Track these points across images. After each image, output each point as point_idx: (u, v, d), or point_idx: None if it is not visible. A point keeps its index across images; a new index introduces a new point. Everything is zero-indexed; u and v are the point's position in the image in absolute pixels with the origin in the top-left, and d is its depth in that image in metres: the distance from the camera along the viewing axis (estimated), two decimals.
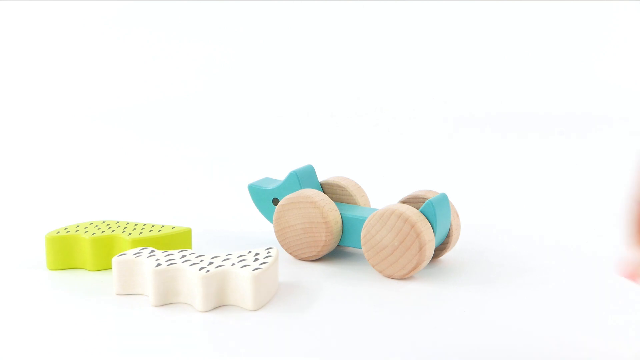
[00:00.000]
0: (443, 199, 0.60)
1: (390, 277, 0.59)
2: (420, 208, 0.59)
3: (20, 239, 0.68)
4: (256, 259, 0.55)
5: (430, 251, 0.58)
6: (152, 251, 0.57)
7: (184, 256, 0.56)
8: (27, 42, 1.19)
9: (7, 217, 0.75)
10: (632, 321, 0.53)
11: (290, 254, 0.63)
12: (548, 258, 0.64)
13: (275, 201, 0.65)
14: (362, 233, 0.60)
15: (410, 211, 0.58)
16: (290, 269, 0.61)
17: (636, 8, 1.22)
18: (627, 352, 0.49)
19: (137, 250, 0.57)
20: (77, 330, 0.52)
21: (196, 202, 0.79)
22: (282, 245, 0.63)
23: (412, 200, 0.62)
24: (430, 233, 0.58)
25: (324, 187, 0.66)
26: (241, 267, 0.54)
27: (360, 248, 0.61)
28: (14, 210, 0.77)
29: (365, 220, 0.60)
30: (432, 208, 0.59)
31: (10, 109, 1.13)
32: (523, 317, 0.53)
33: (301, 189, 0.64)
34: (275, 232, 0.63)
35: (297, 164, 0.70)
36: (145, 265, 0.55)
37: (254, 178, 0.70)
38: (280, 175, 0.71)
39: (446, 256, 0.64)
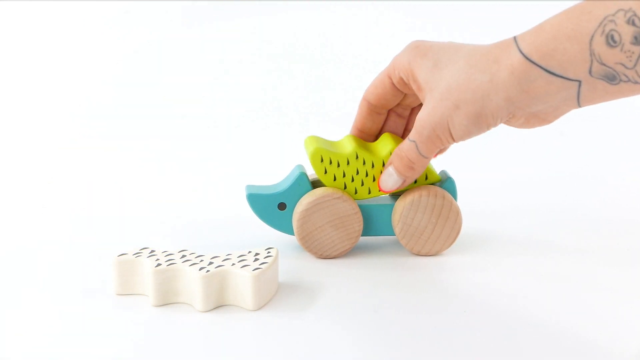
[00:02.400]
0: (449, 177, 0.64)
1: (431, 254, 0.63)
2: (443, 185, 0.63)
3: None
4: (256, 259, 0.55)
5: (461, 216, 0.62)
6: (152, 251, 0.57)
7: (184, 256, 0.56)
8: None
9: None
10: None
11: (319, 256, 0.63)
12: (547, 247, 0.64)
13: (282, 206, 0.63)
14: (397, 228, 0.62)
15: (433, 187, 0.62)
16: (290, 269, 0.61)
17: None
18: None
19: (137, 250, 0.57)
20: (76, 330, 0.52)
21: (195, 202, 0.79)
22: (310, 249, 0.63)
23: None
24: (454, 201, 0.63)
25: (317, 184, 0.65)
26: (241, 267, 0.54)
27: (380, 235, 0.64)
28: None
29: (377, 207, 0.63)
30: (452, 183, 0.63)
31: None
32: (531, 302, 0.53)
33: (312, 188, 0.63)
34: (300, 239, 0.62)
35: (281, 165, 0.70)
36: (145, 265, 0.55)
37: (250, 178, 0.70)
38: (261, 178, 0.69)
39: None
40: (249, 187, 0.64)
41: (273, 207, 0.63)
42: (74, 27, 1.21)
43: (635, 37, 0.46)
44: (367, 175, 0.61)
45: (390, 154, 0.60)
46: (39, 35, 1.20)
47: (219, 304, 0.54)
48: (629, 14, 0.45)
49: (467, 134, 0.53)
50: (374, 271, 0.61)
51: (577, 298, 0.56)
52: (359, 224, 0.62)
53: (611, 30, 0.46)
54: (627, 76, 0.47)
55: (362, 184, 0.61)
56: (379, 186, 0.60)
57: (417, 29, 1.21)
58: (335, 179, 0.61)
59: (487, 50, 0.52)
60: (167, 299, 0.55)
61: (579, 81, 0.48)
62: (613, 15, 0.46)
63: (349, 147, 0.61)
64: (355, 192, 0.61)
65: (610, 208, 0.77)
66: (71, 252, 0.65)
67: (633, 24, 0.45)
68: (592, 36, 0.47)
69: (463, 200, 0.66)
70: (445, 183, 0.63)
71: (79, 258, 0.63)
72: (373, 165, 0.61)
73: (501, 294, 0.57)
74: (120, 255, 0.56)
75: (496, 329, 0.52)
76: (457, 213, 0.62)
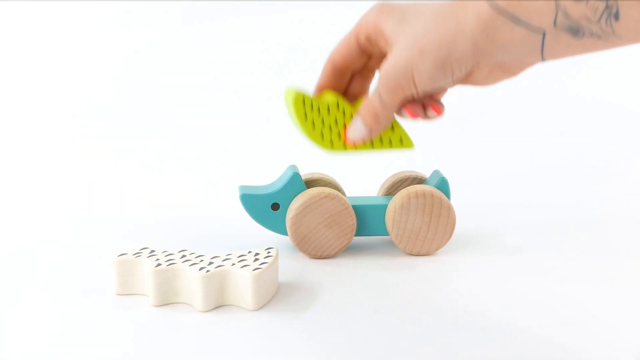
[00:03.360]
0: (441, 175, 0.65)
1: (431, 253, 0.63)
2: (437, 185, 0.63)
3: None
4: (256, 259, 0.55)
5: (453, 210, 0.63)
6: (152, 251, 0.57)
7: (184, 256, 0.56)
8: None
9: None
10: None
11: (319, 257, 0.63)
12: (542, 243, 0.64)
13: (275, 206, 0.63)
14: (393, 234, 0.62)
15: (420, 186, 0.62)
16: (289, 269, 0.61)
17: None
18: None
19: (137, 250, 0.57)
20: (76, 330, 0.52)
21: (195, 202, 0.79)
22: (309, 252, 0.63)
23: (405, 182, 0.66)
24: (444, 196, 0.63)
25: (310, 183, 0.65)
26: (241, 267, 0.54)
27: (375, 235, 0.64)
28: None
29: (371, 207, 0.63)
30: (445, 183, 0.64)
31: None
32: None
33: (306, 188, 0.63)
34: (296, 244, 0.62)
35: (271, 166, 0.70)
36: (145, 265, 0.55)
37: (251, 178, 0.70)
38: (262, 178, 0.69)
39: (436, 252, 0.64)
40: (242, 187, 0.64)
41: (266, 207, 0.63)
42: (74, 27, 1.21)
43: None
44: (345, 127, 0.59)
45: None
46: (39, 36, 1.20)
47: (219, 304, 0.54)
48: None
49: (432, 81, 0.53)
50: (373, 271, 0.61)
51: (576, 297, 0.56)
52: (351, 219, 0.62)
53: None
54: (591, 30, 0.47)
55: (339, 136, 0.59)
56: (345, 138, 0.58)
57: None
58: (314, 127, 0.58)
59: (454, 2, 0.52)
60: (167, 299, 0.55)
61: (543, 32, 0.49)
62: None
63: (330, 98, 0.59)
64: (332, 144, 0.59)
65: (609, 207, 0.77)
66: (71, 252, 0.65)
67: None
68: None
69: (457, 200, 0.66)
70: (438, 183, 0.63)
71: (79, 258, 0.63)
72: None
73: (500, 293, 0.57)
74: (120, 255, 0.56)
75: (496, 329, 0.52)
76: (449, 208, 0.62)
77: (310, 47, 1.22)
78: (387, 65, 0.54)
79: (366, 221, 0.64)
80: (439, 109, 0.56)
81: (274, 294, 0.57)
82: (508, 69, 0.53)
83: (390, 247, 0.66)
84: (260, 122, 1.06)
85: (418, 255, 0.63)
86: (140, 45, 1.20)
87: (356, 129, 0.57)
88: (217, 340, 0.50)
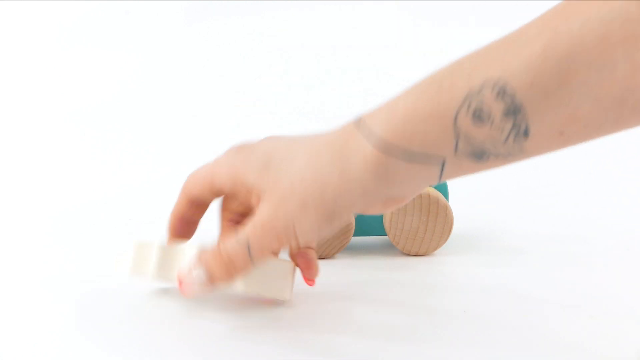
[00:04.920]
0: None
1: (430, 252, 0.63)
2: (435, 185, 0.63)
3: None
4: None
5: (451, 210, 0.62)
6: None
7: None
8: None
9: None
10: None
11: (319, 258, 0.63)
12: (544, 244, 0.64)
13: None
14: (391, 235, 0.62)
15: None
16: None
17: None
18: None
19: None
20: (76, 330, 0.52)
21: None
22: None
23: None
24: (441, 195, 0.63)
25: None
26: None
27: (373, 235, 0.64)
28: None
29: None
30: (443, 183, 0.64)
31: None
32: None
33: None
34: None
35: None
36: (177, 249, 0.54)
37: None
38: None
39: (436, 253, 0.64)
40: None
41: None
42: (74, 27, 1.21)
43: (506, 111, 0.40)
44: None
45: None
46: (39, 36, 1.20)
47: (249, 289, 0.52)
48: (498, 86, 0.40)
49: (318, 233, 0.47)
50: (373, 272, 0.61)
51: (575, 297, 0.56)
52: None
53: (478, 106, 0.41)
54: (497, 152, 0.42)
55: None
56: (180, 289, 0.50)
57: (418, 29, 1.21)
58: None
59: (329, 140, 0.46)
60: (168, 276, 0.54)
61: (443, 161, 0.43)
62: (478, 91, 0.40)
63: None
64: None
65: (607, 207, 0.77)
66: (71, 253, 0.65)
67: (503, 97, 0.40)
68: (456, 114, 0.41)
69: (456, 201, 0.66)
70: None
71: (78, 258, 0.64)
72: None
73: (500, 293, 0.57)
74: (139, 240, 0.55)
75: (496, 329, 0.52)
76: (445, 206, 0.62)
77: (309, 47, 1.22)
78: (262, 217, 0.47)
79: (364, 221, 0.64)
80: (312, 279, 0.54)
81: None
82: (402, 199, 0.48)
83: (389, 247, 0.66)
84: (259, 122, 1.06)
85: (417, 255, 0.63)
86: (140, 45, 1.20)
87: (199, 282, 0.49)
88: (216, 341, 0.50)
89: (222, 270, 0.49)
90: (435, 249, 0.63)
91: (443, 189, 0.64)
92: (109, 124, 1.05)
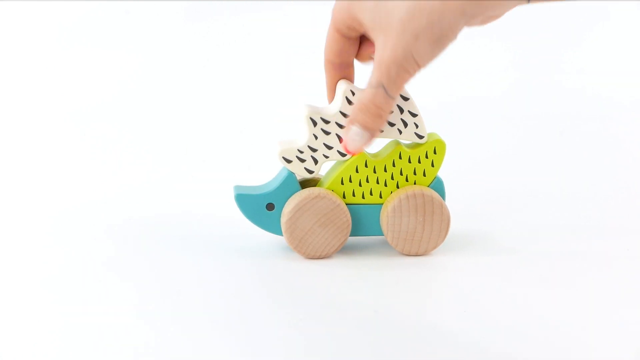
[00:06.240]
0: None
1: (429, 251, 0.63)
2: (431, 185, 0.63)
3: None
4: None
5: (446, 206, 0.63)
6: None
7: None
8: None
9: None
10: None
11: (318, 257, 0.63)
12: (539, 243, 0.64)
13: (270, 206, 0.62)
14: (389, 237, 0.62)
15: (410, 187, 0.62)
16: (286, 269, 0.61)
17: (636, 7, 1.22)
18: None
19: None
20: (79, 331, 0.52)
21: (188, 202, 0.78)
22: (307, 254, 0.62)
23: None
24: (436, 193, 0.63)
25: (305, 183, 0.65)
26: None
27: (370, 235, 0.64)
28: None
29: (365, 208, 0.63)
30: (440, 183, 0.64)
31: None
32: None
33: (301, 188, 0.63)
34: (294, 247, 0.62)
35: (267, 165, 0.70)
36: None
37: (251, 177, 0.69)
38: (244, 178, 0.69)
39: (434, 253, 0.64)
40: (237, 187, 0.64)
41: (261, 207, 0.63)
42: (74, 27, 1.21)
43: None
44: (377, 181, 0.62)
45: (396, 153, 0.61)
46: (39, 36, 1.20)
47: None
48: None
49: (433, 56, 0.53)
50: (372, 272, 0.61)
51: (574, 298, 0.56)
52: (345, 215, 0.62)
53: None
54: None
55: (371, 193, 0.63)
56: (345, 149, 0.59)
57: None
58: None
59: None
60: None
61: None
62: None
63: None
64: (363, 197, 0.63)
65: (607, 207, 0.77)
66: (71, 253, 0.65)
67: None
68: None
69: (453, 200, 0.66)
70: (433, 183, 0.63)
71: (78, 258, 0.64)
72: (375, 170, 0.62)
73: (499, 293, 0.57)
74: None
75: (496, 329, 0.52)
76: (441, 205, 0.62)
77: (310, 47, 1.22)
78: (384, 56, 0.53)
79: (361, 221, 0.63)
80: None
81: None
82: (498, 15, 0.54)
83: (387, 247, 0.66)
84: (257, 122, 1.06)
85: (416, 255, 0.63)
86: (140, 45, 1.20)
87: (358, 137, 0.57)
88: (216, 340, 0.50)
89: (372, 117, 0.56)
90: (434, 247, 0.63)
91: (439, 189, 0.63)
92: (109, 124, 1.05)
